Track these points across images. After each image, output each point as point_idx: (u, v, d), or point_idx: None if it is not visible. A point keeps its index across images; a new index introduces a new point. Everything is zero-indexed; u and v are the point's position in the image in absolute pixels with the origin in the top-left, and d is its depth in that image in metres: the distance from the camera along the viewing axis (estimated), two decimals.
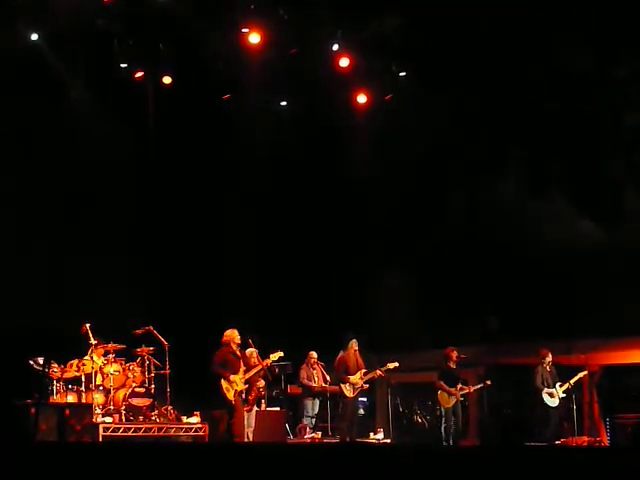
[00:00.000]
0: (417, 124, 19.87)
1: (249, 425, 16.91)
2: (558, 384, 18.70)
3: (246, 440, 16.44)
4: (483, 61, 18.78)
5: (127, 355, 17.47)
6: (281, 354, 16.93)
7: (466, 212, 20.73)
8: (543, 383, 18.67)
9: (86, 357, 16.83)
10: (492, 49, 18.58)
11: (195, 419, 17.20)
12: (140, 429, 16.34)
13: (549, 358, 18.85)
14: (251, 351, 16.90)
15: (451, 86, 19.20)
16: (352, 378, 17.92)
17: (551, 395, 18.65)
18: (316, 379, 18.98)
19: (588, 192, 19.71)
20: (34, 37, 18.00)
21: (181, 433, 16.81)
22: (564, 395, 18.73)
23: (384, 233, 21.32)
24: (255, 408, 17.20)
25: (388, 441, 18.74)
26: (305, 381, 18.91)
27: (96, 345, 16.90)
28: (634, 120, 19.12)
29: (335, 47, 19.02)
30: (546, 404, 18.61)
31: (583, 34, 18.15)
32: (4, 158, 18.19)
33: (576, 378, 18.86)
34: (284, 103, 20.97)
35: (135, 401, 16.84)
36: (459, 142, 20.06)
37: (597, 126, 19.31)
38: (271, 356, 16.80)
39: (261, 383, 17.10)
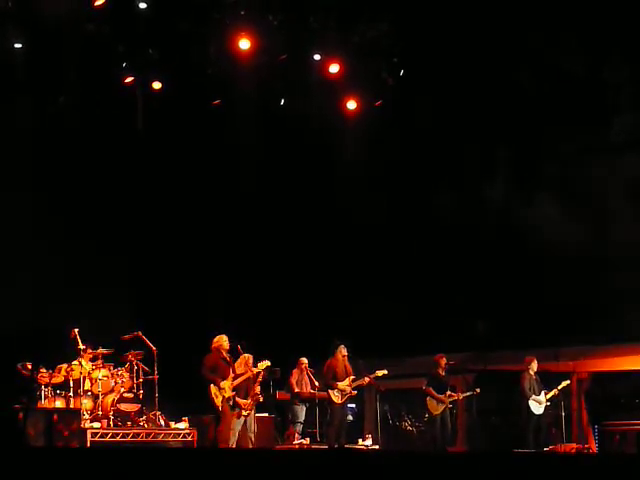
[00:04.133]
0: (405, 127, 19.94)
1: (250, 431, 16.87)
2: (543, 392, 18.73)
3: (250, 446, 16.47)
4: (471, 62, 18.83)
5: (115, 360, 17.43)
6: (268, 363, 16.90)
7: (454, 217, 20.72)
8: (530, 389, 18.68)
9: (74, 362, 16.79)
10: (481, 50, 18.65)
11: (183, 425, 17.17)
12: (128, 434, 16.29)
13: (535, 365, 18.85)
14: (247, 356, 16.86)
15: (439, 88, 19.27)
16: (340, 384, 17.89)
17: (538, 402, 18.66)
18: (304, 385, 18.97)
19: (576, 195, 19.76)
20: (17, 45, 18.05)
21: (169, 439, 16.77)
22: (549, 403, 18.77)
23: (373, 238, 21.32)
24: (254, 413, 17.15)
25: (376, 447, 18.72)
26: (293, 386, 18.88)
27: (84, 350, 16.87)
28: (623, 123, 19.18)
29: (317, 57, 19.05)
30: (532, 411, 18.61)
31: (574, 36, 18.22)
32: None
33: (562, 385, 18.88)
34: (274, 108, 21.03)
35: (123, 406, 16.81)
36: (446, 144, 20.13)
37: (585, 128, 19.40)
38: (258, 365, 16.77)
39: (258, 388, 17.04)
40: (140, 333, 17.24)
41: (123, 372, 17.24)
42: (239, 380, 16.53)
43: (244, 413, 16.71)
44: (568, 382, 19.14)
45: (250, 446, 16.57)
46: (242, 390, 16.72)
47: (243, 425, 16.73)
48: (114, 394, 16.88)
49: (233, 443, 16.49)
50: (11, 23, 17.67)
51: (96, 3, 17.57)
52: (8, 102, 18.22)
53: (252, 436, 16.86)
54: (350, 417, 19.14)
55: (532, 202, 19.94)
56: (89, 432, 15.83)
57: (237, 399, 16.63)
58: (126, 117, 19.85)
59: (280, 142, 20.94)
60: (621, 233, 19.26)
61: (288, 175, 21.26)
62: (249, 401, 16.76)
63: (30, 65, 18.17)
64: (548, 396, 18.75)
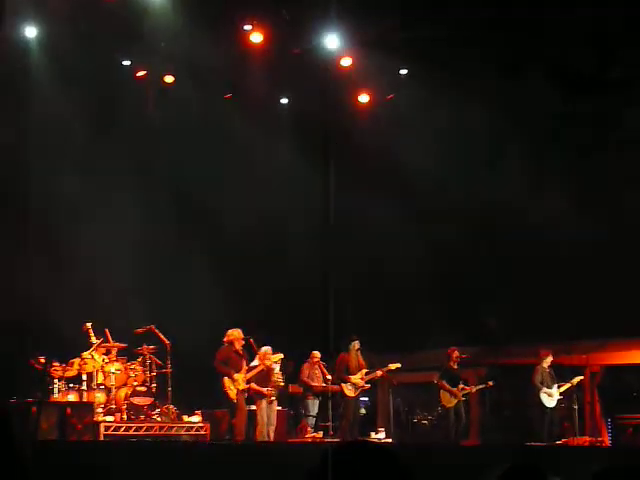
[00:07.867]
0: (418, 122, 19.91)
1: (270, 424, 16.87)
2: (556, 385, 18.71)
3: (266, 439, 16.48)
4: (482, 59, 18.82)
5: (129, 354, 17.46)
6: (281, 356, 16.93)
7: (466, 211, 20.68)
8: (542, 382, 18.67)
9: (86, 355, 16.78)
10: (492, 47, 18.65)
11: (196, 418, 17.19)
12: (141, 428, 16.31)
13: (549, 359, 18.84)
14: (264, 350, 16.89)
15: (451, 85, 19.26)
16: (353, 378, 17.91)
17: (549, 395, 18.65)
18: (316, 378, 18.95)
19: (588, 190, 19.74)
20: (30, 34, 18.19)
21: (182, 432, 16.79)
22: (561, 397, 18.75)
23: (385, 233, 21.31)
24: (277, 407, 17.15)
25: (389, 441, 18.71)
26: (306, 379, 18.85)
27: (98, 344, 16.89)
28: (634, 119, 19.14)
29: (331, 45, 19.03)
30: (543, 404, 18.61)
31: (583, 34, 18.19)
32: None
33: (576, 380, 18.86)
34: (285, 102, 21.10)
35: (136, 400, 16.84)
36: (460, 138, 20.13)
37: (596, 125, 19.37)
38: (272, 358, 16.80)
39: (276, 374, 17.02)
40: (153, 327, 17.28)
41: (136, 366, 17.26)
42: (252, 373, 16.57)
43: (270, 398, 16.77)
44: (581, 377, 19.13)
45: (268, 439, 16.57)
46: (260, 381, 16.76)
47: (262, 417, 16.73)
48: (127, 388, 16.90)
49: (262, 428, 16.54)
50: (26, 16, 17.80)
51: None
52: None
53: (271, 429, 16.85)
54: (363, 410, 19.14)
55: (544, 198, 19.89)
56: (102, 426, 15.87)
57: (259, 388, 16.67)
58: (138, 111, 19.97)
59: (290, 137, 20.97)
60: (633, 228, 19.22)
61: (298, 169, 21.28)
62: (271, 389, 16.80)
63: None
64: (562, 389, 18.74)
